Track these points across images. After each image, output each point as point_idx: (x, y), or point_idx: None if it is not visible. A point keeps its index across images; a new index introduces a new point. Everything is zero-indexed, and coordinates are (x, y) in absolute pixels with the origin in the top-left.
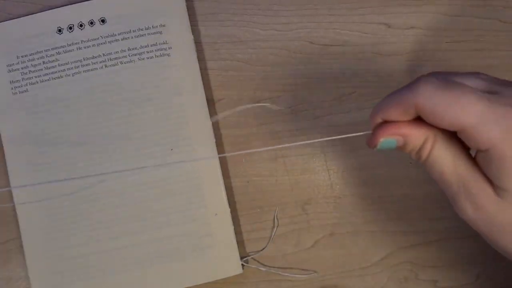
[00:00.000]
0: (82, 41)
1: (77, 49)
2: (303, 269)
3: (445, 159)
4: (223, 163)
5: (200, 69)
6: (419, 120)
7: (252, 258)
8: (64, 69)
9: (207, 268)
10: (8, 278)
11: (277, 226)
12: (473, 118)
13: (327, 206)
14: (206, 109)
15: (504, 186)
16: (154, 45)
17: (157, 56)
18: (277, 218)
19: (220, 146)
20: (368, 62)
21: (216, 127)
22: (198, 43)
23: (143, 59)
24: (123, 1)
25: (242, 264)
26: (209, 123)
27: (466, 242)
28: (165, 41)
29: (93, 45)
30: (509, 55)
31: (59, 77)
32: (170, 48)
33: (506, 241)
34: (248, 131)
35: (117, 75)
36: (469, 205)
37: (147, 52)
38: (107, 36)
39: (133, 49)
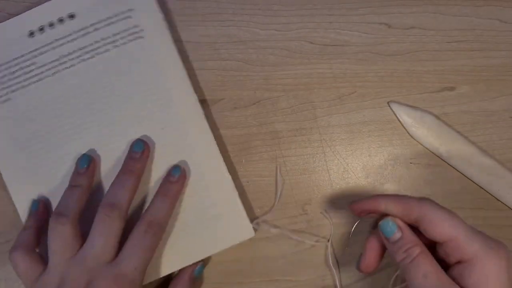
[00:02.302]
0: (55, 40)
1: (52, 49)
2: (313, 234)
3: (431, 265)
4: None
5: (200, 69)
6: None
7: (262, 221)
8: (43, 71)
9: (220, 236)
10: (8, 278)
11: (282, 185)
12: (463, 233)
13: (327, 206)
14: (189, 83)
15: None
16: (126, 30)
17: (131, 41)
18: (280, 174)
19: (221, 146)
20: (368, 62)
21: (215, 127)
22: (198, 42)
23: (117, 46)
24: None
25: (253, 228)
26: (194, 97)
27: None
28: (136, 25)
29: (67, 42)
30: (509, 55)
31: (39, 80)
32: (142, 30)
33: None
34: (248, 131)
35: (96, 66)
36: None
37: (121, 38)
38: (78, 31)
39: (106, 38)
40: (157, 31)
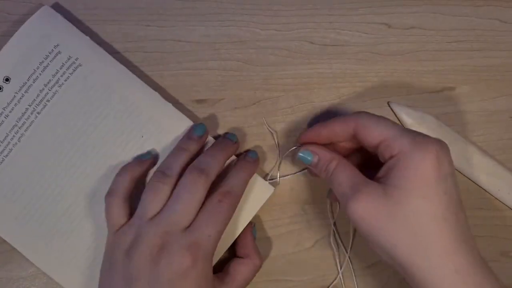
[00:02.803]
0: (3, 109)
1: (5, 117)
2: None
3: (345, 172)
4: None
5: (200, 69)
6: (331, 148)
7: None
8: (8, 142)
9: (245, 206)
10: (8, 278)
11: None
12: (392, 132)
13: (327, 206)
14: (141, 82)
15: (401, 184)
16: (62, 66)
17: (72, 73)
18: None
19: None
20: (368, 62)
21: (215, 127)
22: (198, 42)
23: (62, 84)
24: (8, 52)
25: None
26: (155, 94)
27: None
28: (68, 56)
29: (15, 105)
30: (509, 55)
31: (9, 152)
32: (77, 58)
33: (390, 237)
34: (248, 131)
35: (54, 112)
36: (366, 202)
37: (61, 76)
38: (20, 89)
39: (48, 82)
40: (91, 53)
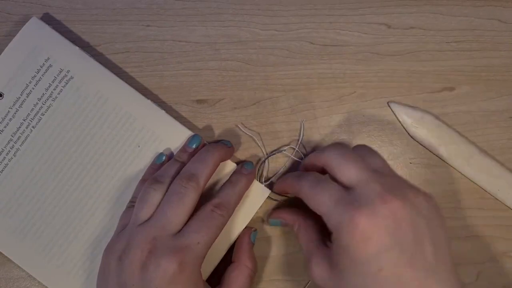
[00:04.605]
0: None
1: (0, 132)
2: None
3: (303, 236)
4: None
5: (200, 69)
6: (295, 209)
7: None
8: (3, 159)
9: (241, 210)
10: (8, 278)
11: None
12: (325, 210)
13: None
14: (134, 90)
15: (339, 260)
16: (54, 79)
17: (64, 86)
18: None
19: None
20: (368, 62)
21: (215, 127)
22: (198, 43)
23: (56, 97)
24: (0, 68)
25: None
26: (146, 101)
27: (466, 242)
28: (60, 69)
29: (10, 119)
30: (509, 55)
31: (4, 168)
32: (68, 71)
33: None
34: (248, 131)
35: (49, 125)
36: (316, 269)
37: (54, 89)
38: (14, 104)
39: (42, 96)
40: (82, 64)
